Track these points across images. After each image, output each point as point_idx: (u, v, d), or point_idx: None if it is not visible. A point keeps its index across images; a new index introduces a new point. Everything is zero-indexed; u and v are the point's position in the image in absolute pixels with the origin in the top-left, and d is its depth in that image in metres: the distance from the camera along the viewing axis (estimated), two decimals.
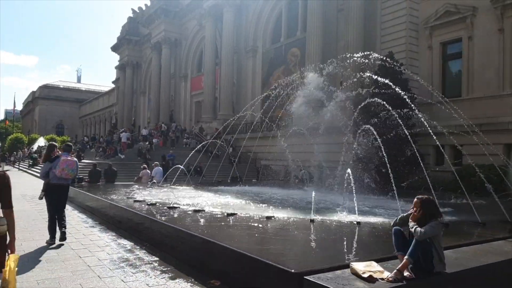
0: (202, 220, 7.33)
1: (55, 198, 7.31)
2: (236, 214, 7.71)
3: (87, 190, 12.14)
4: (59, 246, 7.00)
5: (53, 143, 8.64)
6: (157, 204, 9.12)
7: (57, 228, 7.31)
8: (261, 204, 10.16)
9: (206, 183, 17.79)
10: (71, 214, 10.07)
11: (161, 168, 16.62)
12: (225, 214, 7.77)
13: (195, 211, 8.06)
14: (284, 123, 24.49)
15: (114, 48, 58.53)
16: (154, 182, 15.84)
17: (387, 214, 8.74)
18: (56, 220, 7.32)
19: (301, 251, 5.34)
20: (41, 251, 6.59)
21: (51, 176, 7.26)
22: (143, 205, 8.97)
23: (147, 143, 29.72)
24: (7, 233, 3.38)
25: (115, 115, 64.08)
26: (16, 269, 3.33)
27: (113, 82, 68.39)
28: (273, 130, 23.89)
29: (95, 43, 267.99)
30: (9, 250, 3.41)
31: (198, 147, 18.31)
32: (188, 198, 10.58)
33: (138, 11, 54.81)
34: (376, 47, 22.66)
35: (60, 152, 7.90)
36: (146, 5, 51.91)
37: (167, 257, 6.17)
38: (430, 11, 20.89)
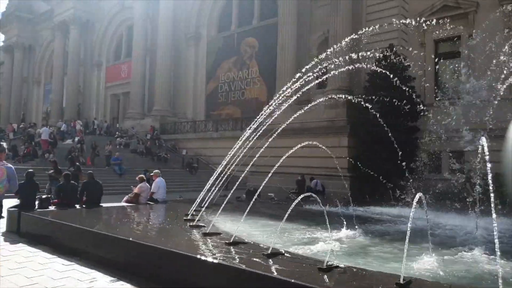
0: None
1: None
2: None
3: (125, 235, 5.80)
4: None
5: None
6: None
7: None
8: None
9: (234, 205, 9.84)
10: None
11: (164, 181, 11.72)
12: None
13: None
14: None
15: None
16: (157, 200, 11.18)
17: None
18: None
19: None
20: None
21: None
22: None
23: (74, 140, 23.20)
24: None
25: None
26: None
27: None
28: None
29: None
30: None
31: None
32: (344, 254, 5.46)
33: None
34: (361, 41, 20.69)
35: None
36: None
37: None
38: (423, 5, 19.62)
